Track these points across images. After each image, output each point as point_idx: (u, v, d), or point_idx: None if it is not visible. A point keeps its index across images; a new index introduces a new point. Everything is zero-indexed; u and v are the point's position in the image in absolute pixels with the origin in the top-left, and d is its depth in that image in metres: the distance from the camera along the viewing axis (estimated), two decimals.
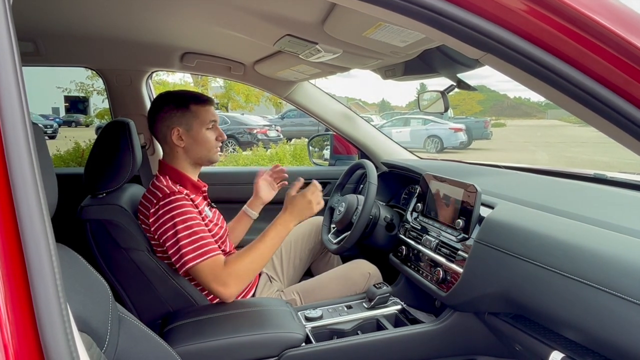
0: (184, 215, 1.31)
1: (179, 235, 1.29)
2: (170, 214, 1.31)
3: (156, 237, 1.34)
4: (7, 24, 0.43)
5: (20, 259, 0.41)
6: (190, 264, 1.28)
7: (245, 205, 1.79)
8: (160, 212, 1.32)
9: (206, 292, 1.43)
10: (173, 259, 1.31)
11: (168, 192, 1.34)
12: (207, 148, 1.45)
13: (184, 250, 1.28)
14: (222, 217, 1.59)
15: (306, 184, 1.53)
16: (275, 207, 2.21)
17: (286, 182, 1.79)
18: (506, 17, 0.61)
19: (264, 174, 1.80)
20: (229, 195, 2.15)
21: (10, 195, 0.41)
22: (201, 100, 1.45)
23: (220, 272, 1.30)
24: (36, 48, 1.78)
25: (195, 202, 1.39)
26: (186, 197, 1.35)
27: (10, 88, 0.41)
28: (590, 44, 0.58)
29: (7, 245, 0.41)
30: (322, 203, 1.47)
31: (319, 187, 1.49)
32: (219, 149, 1.50)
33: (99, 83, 11.11)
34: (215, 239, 1.41)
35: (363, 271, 1.62)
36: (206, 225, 1.38)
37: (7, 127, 0.41)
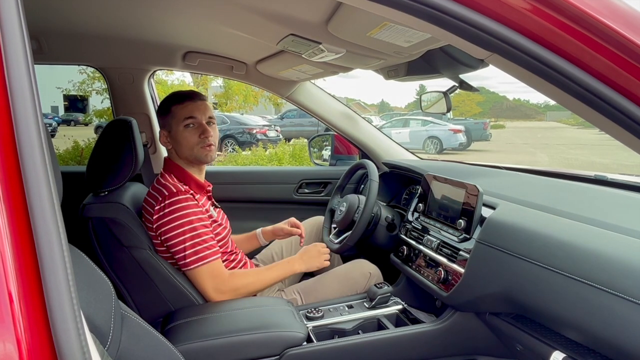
0: (189, 216, 1.34)
1: (184, 237, 1.33)
2: (176, 214, 1.33)
3: (158, 233, 1.35)
4: (20, 24, 0.43)
5: (33, 255, 0.41)
6: (191, 267, 1.34)
7: (259, 230, 1.80)
8: (166, 210, 1.33)
9: None
10: (175, 257, 1.35)
11: (174, 190, 1.36)
12: (188, 147, 1.43)
13: (186, 252, 1.33)
14: (225, 217, 1.61)
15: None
16: (265, 206, 2.24)
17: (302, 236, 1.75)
18: (511, 16, 0.61)
19: (289, 226, 1.75)
20: (233, 195, 2.15)
21: (22, 190, 0.41)
22: (180, 99, 1.45)
23: (220, 281, 1.36)
24: (39, 46, 1.77)
25: (200, 202, 1.40)
26: (191, 196, 1.38)
27: (24, 85, 0.42)
28: (593, 43, 0.59)
29: (19, 240, 0.41)
30: (328, 262, 1.56)
31: (327, 250, 1.57)
32: (207, 147, 1.44)
33: (98, 84, 11.04)
34: (218, 238, 1.44)
35: (364, 271, 1.63)
36: (210, 225, 1.40)
37: (20, 123, 0.41)
